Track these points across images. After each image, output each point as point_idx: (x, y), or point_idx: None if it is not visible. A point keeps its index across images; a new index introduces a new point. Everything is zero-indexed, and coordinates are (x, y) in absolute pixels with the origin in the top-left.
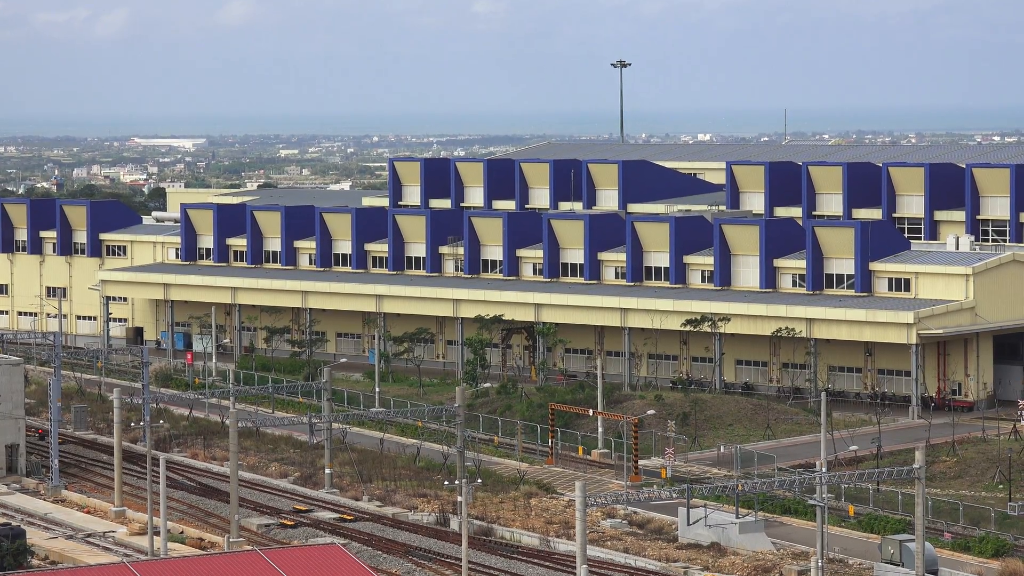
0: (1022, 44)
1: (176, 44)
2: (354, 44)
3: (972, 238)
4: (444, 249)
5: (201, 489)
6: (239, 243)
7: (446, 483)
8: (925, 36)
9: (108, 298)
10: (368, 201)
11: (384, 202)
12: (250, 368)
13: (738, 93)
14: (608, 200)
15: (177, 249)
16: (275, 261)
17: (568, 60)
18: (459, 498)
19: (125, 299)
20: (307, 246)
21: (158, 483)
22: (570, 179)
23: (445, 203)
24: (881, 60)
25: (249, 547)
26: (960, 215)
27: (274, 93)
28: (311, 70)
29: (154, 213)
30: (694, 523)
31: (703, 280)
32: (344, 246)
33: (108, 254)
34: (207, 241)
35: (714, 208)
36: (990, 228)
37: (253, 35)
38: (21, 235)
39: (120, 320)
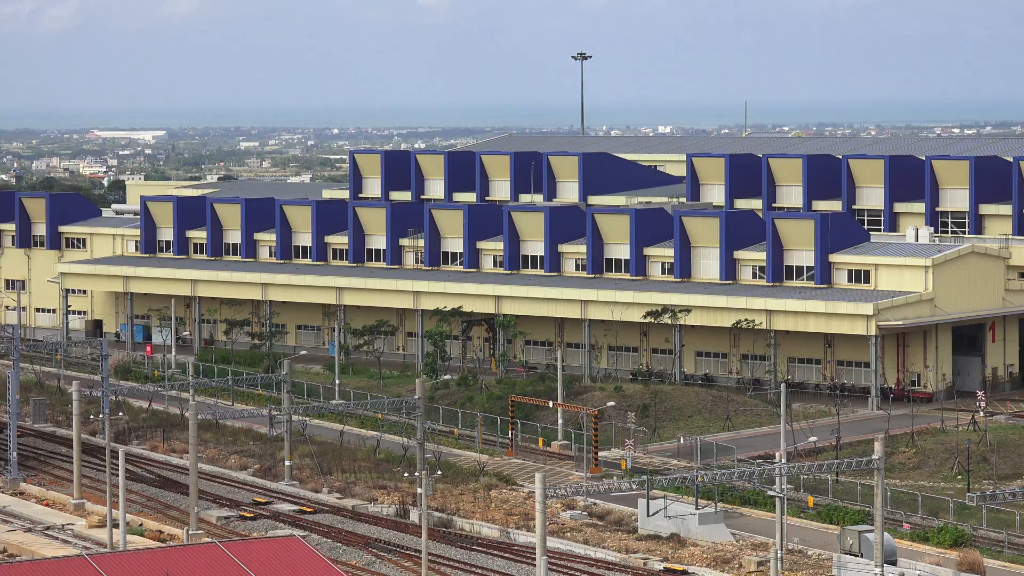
0: (977, 37)
1: (126, 36)
2: (304, 37)
3: (931, 230)
4: (404, 241)
5: (160, 481)
6: (199, 235)
7: (406, 475)
8: (874, 29)
9: (67, 290)
10: (328, 193)
11: (344, 194)
12: (210, 360)
13: (698, 86)
14: (568, 192)
15: (137, 242)
16: (235, 253)
17: (521, 53)
18: (419, 490)
19: (84, 292)
20: (267, 238)
21: (117, 476)
22: (530, 171)
23: (405, 195)
24: (838, 53)
25: (208, 539)
26: (920, 207)
27: (233, 86)
28: (267, 63)
29: (114, 206)
30: (654, 514)
31: (663, 272)
32: (304, 238)
33: (67, 246)
34: (167, 233)
35: (674, 200)
36: (949, 220)
37: (200, 28)
38: None
39: (79, 313)
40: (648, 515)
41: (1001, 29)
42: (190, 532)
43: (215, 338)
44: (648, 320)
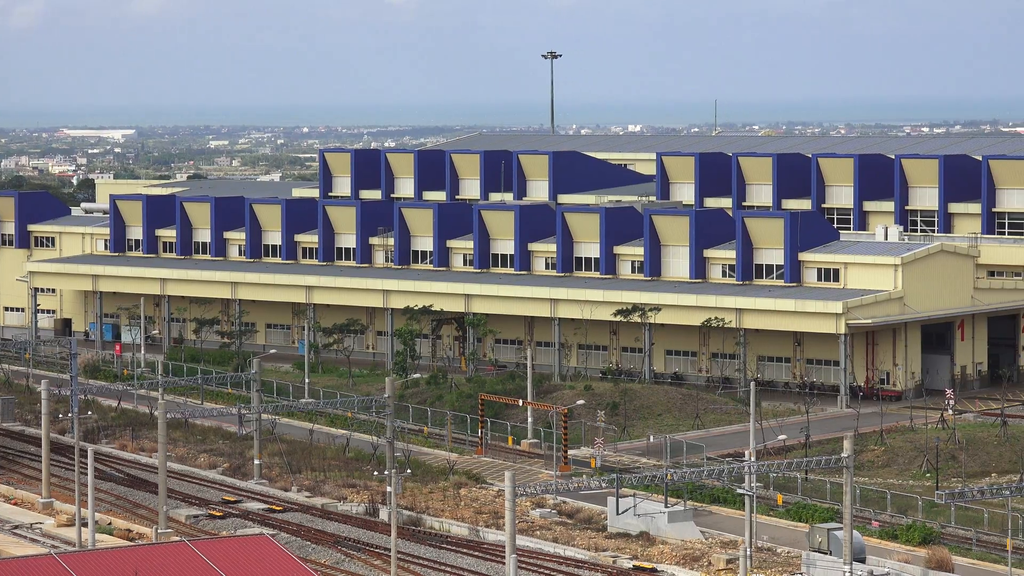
0: (946, 37)
1: (96, 33)
2: (274, 36)
3: (901, 228)
4: (374, 240)
5: (129, 480)
6: (168, 234)
7: (375, 473)
8: (843, 28)
9: (36, 289)
10: (298, 192)
11: (314, 193)
12: (179, 359)
13: (668, 85)
14: (538, 191)
15: (106, 240)
16: (204, 252)
17: (491, 52)
18: (388, 488)
19: (53, 290)
20: (237, 237)
21: (86, 474)
22: (500, 170)
23: (375, 194)
24: (808, 52)
25: (177, 538)
26: (889, 205)
27: (203, 84)
28: (237, 61)
29: (83, 204)
30: (623, 512)
31: (633, 270)
32: (274, 237)
33: (36, 245)
34: (136, 232)
35: (644, 199)
36: (919, 219)
37: (170, 25)
38: None
39: (48, 311)
40: (617, 513)
41: (970, 29)
42: (159, 531)
43: (184, 337)
44: (618, 318)
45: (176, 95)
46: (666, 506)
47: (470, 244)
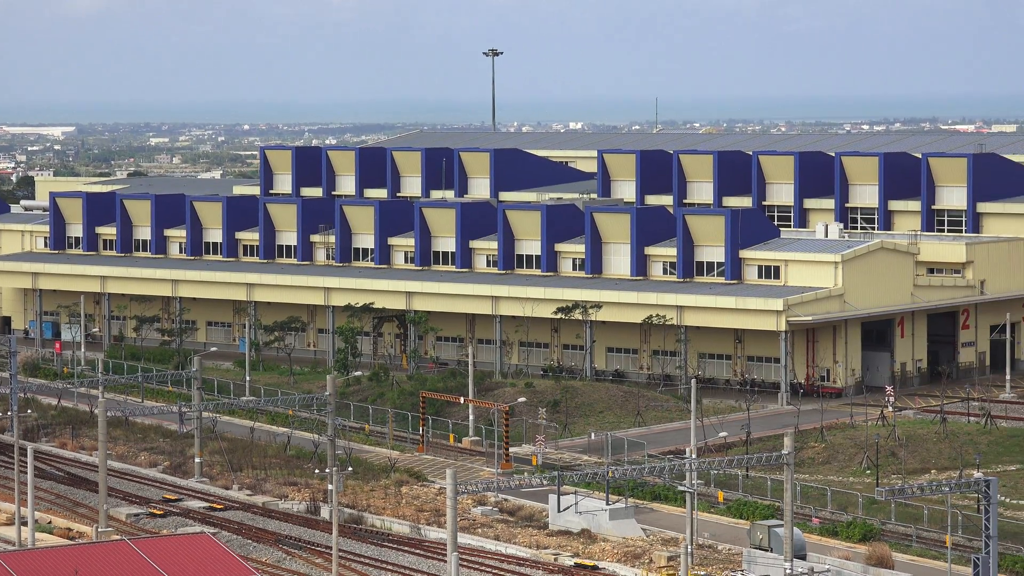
0: (885, 34)
1: (34, 31)
2: (214, 33)
3: (841, 226)
4: (315, 237)
5: (70, 479)
6: (109, 232)
7: (316, 471)
8: (783, 26)
9: None
10: (239, 190)
11: (255, 190)
12: (119, 357)
13: (609, 82)
14: (480, 188)
15: (46, 238)
16: (145, 250)
17: (432, 49)
18: (329, 486)
19: None
20: (177, 235)
21: (26, 473)
22: (442, 167)
23: (316, 191)
24: (748, 50)
25: (118, 537)
26: (829, 203)
27: (142, 81)
28: (177, 59)
29: (22, 202)
30: (565, 510)
31: (574, 268)
32: (215, 235)
33: None
34: (76, 230)
35: (585, 196)
36: (859, 216)
37: (110, 23)
38: None
39: None
40: (559, 511)
41: (910, 26)
42: (99, 530)
43: (125, 335)
44: (559, 316)
45: (116, 92)
46: (607, 503)
47: (411, 242)
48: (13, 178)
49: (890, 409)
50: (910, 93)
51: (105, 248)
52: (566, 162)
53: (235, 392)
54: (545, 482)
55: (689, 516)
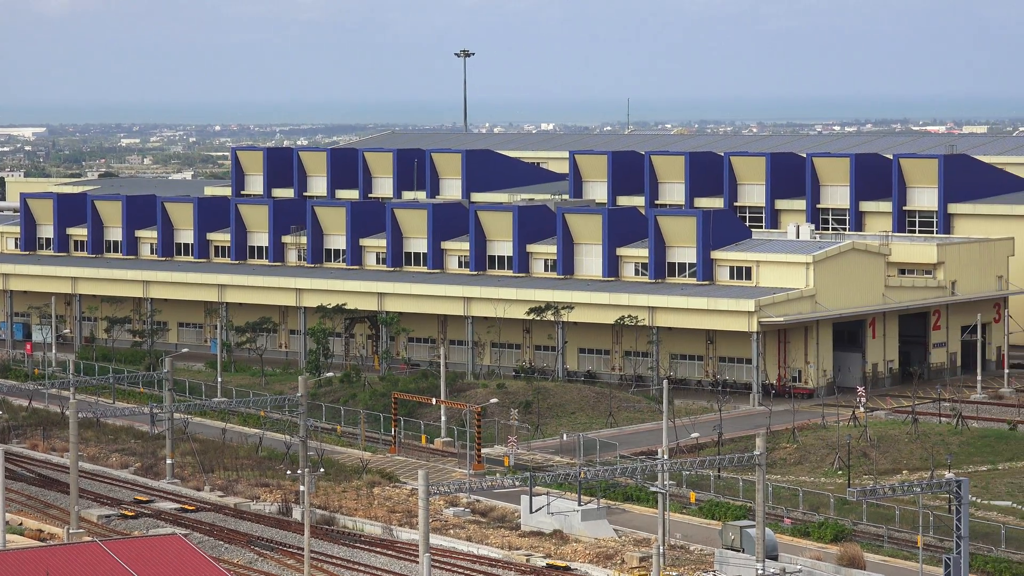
0: (857, 35)
1: (3, 31)
2: (185, 33)
3: (812, 227)
4: (287, 238)
5: (40, 480)
6: (79, 233)
7: (288, 473)
8: (753, 26)
9: None
10: (210, 190)
11: (227, 191)
12: (91, 358)
13: (581, 83)
14: (451, 189)
15: (16, 239)
16: (116, 251)
17: (403, 50)
18: (301, 487)
19: None
20: (148, 235)
21: None
22: (413, 168)
23: (288, 192)
24: (719, 51)
25: (89, 538)
26: (801, 204)
27: (113, 82)
28: (147, 59)
29: None
30: (537, 511)
31: (546, 269)
32: (186, 235)
33: None
34: (47, 231)
35: (557, 197)
36: (830, 217)
37: (80, 23)
38: None
39: None
40: (531, 512)
41: (880, 27)
42: (71, 531)
43: (96, 336)
44: (531, 317)
45: (87, 93)
46: (579, 504)
47: (383, 242)
48: None
49: (861, 410)
50: (881, 94)
51: (76, 249)
52: (538, 163)
53: (207, 393)
54: (517, 483)
55: (661, 517)
